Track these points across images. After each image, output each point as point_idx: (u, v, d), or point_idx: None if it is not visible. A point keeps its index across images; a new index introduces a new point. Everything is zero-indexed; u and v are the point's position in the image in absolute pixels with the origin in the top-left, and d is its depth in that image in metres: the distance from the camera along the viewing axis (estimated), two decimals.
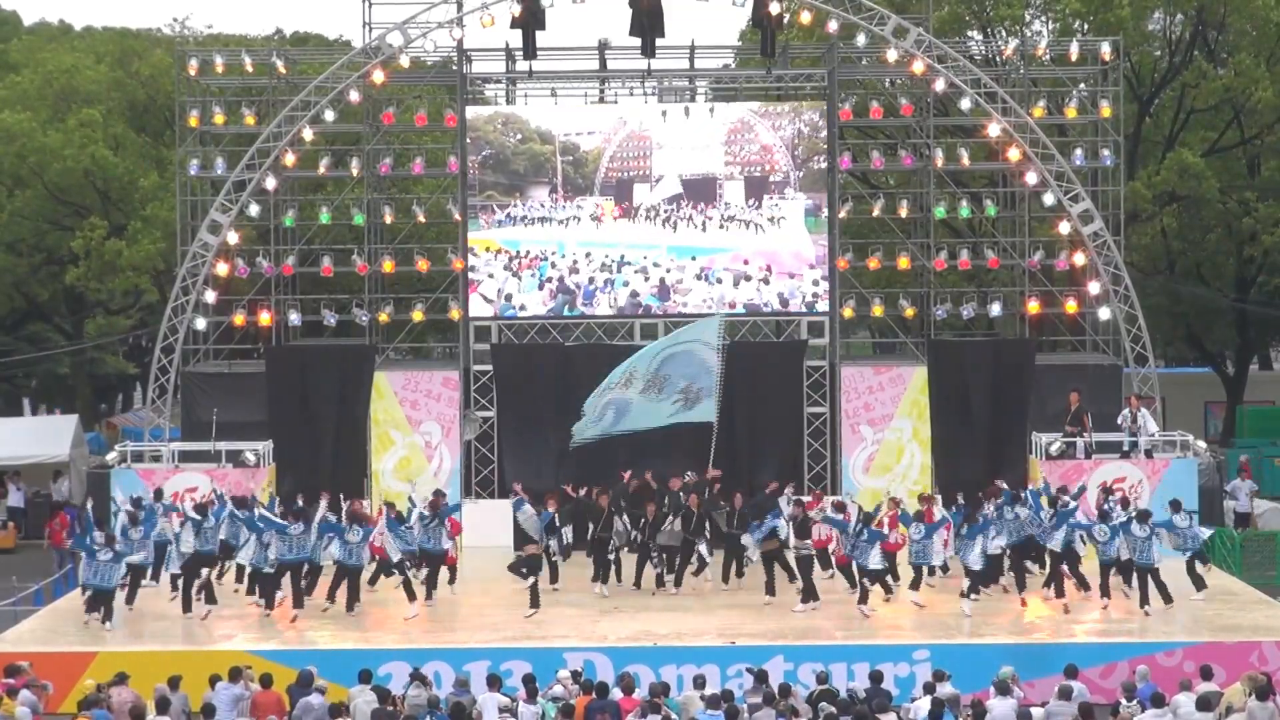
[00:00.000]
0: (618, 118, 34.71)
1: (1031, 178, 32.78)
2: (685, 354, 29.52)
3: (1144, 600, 26.42)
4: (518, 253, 34.02)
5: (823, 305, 33.95)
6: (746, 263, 33.99)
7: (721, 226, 33.99)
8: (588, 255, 34.00)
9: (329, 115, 33.13)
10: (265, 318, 33.85)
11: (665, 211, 34.06)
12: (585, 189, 34.12)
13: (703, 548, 28.20)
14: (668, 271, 34.06)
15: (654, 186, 34.14)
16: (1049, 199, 32.78)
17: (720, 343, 29.66)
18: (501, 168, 34.29)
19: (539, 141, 34.42)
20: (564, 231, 34.07)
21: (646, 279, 34.01)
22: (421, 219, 34.68)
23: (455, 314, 34.06)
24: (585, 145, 34.38)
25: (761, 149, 34.23)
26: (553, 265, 34.00)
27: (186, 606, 26.66)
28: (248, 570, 27.10)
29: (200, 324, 33.51)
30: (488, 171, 34.25)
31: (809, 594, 26.89)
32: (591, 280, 34.03)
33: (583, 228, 34.08)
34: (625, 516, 28.41)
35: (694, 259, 34.08)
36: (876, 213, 34.69)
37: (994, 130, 32.84)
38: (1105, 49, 34.30)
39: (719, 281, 33.99)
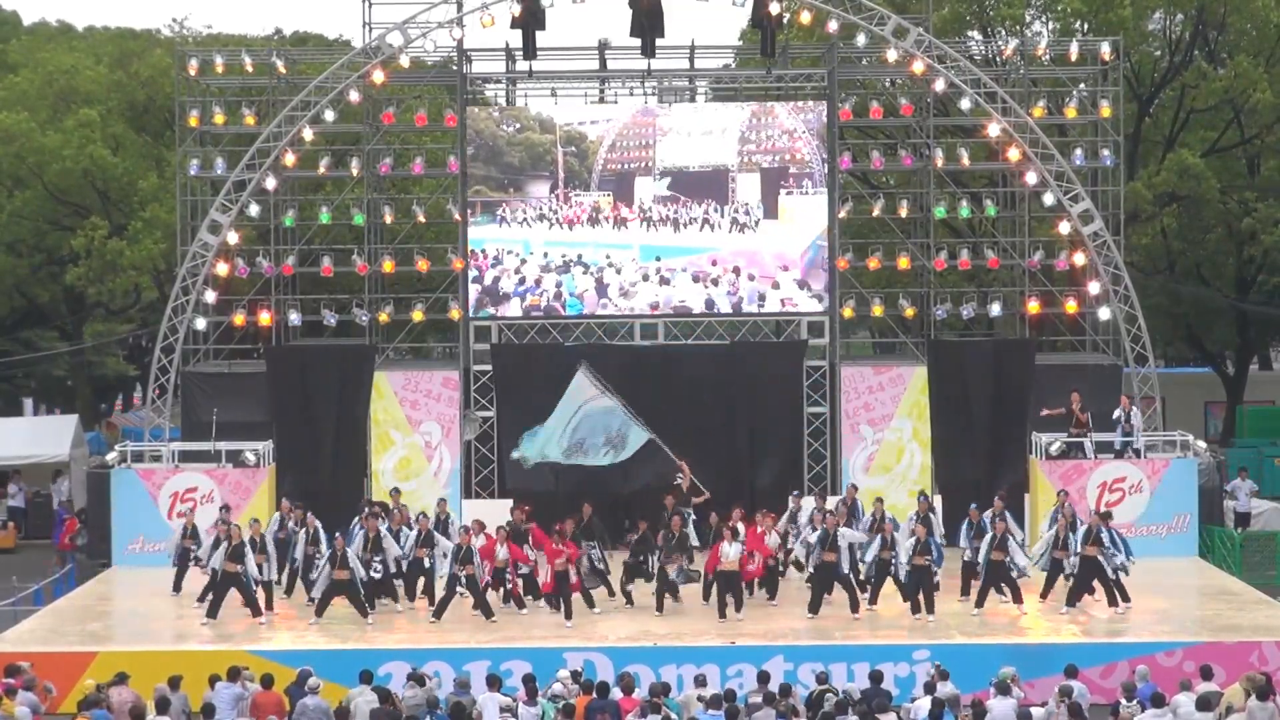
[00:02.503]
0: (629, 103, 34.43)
1: (1031, 178, 32.77)
2: (584, 419, 29.21)
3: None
4: (473, 251, 33.78)
5: (772, 307, 33.81)
6: (714, 263, 33.72)
7: (703, 226, 33.79)
8: (545, 255, 33.71)
9: (329, 115, 33.13)
10: (265, 318, 33.85)
11: (661, 211, 33.81)
12: (586, 184, 33.84)
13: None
14: (618, 272, 33.73)
15: (656, 179, 33.90)
16: (1049, 199, 32.77)
17: (599, 385, 29.25)
18: (494, 160, 33.92)
19: (538, 130, 33.98)
20: (530, 231, 33.71)
21: (598, 280, 33.67)
22: (421, 219, 34.67)
23: (455, 314, 34.06)
24: (592, 134, 33.91)
25: (785, 134, 33.86)
26: (495, 264, 33.72)
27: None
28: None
29: (200, 324, 33.51)
30: (477, 164, 33.93)
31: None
32: (523, 281, 33.66)
33: (557, 228, 33.69)
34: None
35: (658, 259, 33.77)
36: (876, 213, 34.67)
37: (994, 130, 32.84)
38: (1105, 49, 34.31)
39: (667, 283, 33.70)
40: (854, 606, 26.50)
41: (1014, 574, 26.67)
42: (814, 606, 26.67)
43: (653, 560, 27.24)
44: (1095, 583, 26.72)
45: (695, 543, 27.81)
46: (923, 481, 32.67)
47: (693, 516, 28.40)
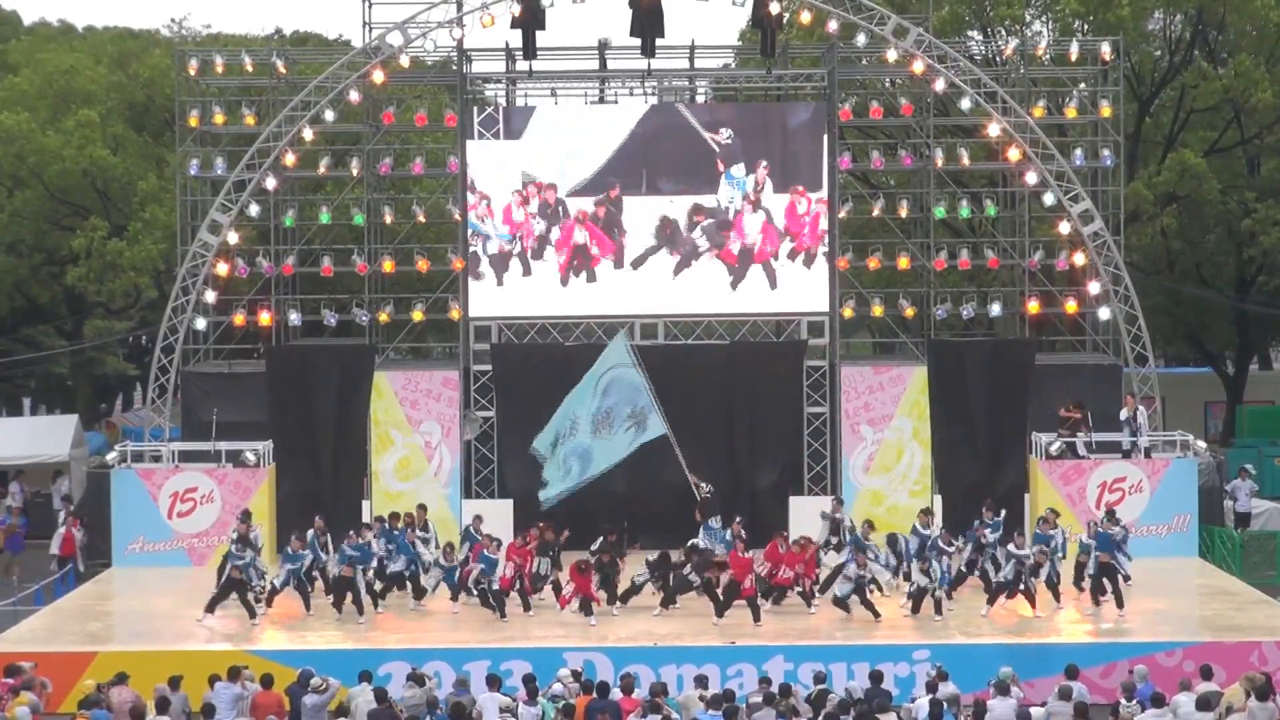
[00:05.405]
0: None
1: (1031, 178, 32.77)
2: (614, 382, 29.59)
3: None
4: None
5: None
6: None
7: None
8: None
9: (329, 115, 33.13)
10: (265, 318, 33.84)
11: None
12: None
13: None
14: None
15: None
16: (1049, 199, 32.77)
17: (634, 358, 29.79)
18: None
19: None
20: None
21: None
22: (421, 219, 34.68)
23: (455, 314, 34.05)
24: None
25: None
26: None
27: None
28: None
29: (200, 324, 33.52)
30: None
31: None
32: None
33: None
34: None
35: None
36: (876, 213, 34.67)
37: (994, 130, 32.83)
38: (1105, 49, 34.30)
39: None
40: (875, 613, 26.52)
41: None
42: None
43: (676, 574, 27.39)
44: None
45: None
46: (923, 481, 32.69)
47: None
